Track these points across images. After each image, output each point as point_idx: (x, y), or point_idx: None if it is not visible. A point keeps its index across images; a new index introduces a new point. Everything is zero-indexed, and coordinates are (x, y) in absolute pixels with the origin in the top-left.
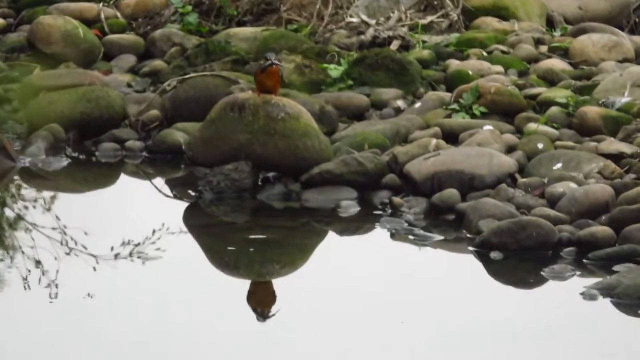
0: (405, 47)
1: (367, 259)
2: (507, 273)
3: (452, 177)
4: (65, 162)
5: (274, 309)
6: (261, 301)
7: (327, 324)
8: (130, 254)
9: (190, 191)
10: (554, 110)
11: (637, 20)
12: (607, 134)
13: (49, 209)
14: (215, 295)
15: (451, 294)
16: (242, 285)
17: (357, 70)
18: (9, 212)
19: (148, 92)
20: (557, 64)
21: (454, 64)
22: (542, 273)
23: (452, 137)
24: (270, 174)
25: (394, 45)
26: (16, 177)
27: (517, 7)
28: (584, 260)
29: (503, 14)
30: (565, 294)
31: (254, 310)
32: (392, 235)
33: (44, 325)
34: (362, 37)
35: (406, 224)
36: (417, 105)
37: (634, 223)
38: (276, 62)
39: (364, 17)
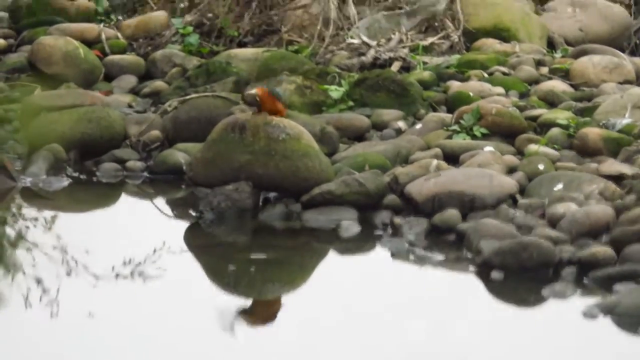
0: (406, 68)
1: (368, 279)
2: (508, 293)
3: (453, 197)
4: (66, 182)
5: (272, 327)
6: (259, 320)
7: (327, 343)
8: (131, 274)
9: (191, 211)
10: (554, 131)
11: (637, 42)
12: (607, 155)
13: (49, 229)
14: (215, 314)
15: (452, 313)
16: (243, 304)
17: (358, 92)
18: (9, 232)
19: (149, 113)
20: (558, 85)
21: (454, 85)
22: (542, 293)
23: (452, 158)
24: (271, 195)
25: (395, 66)
26: (17, 197)
27: (518, 28)
28: (585, 280)
29: (504, 35)
30: (566, 313)
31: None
32: (393, 255)
33: (44, 344)
34: (363, 58)
35: (407, 244)
36: (418, 126)
37: (635, 243)
38: (252, 93)
39: (365, 39)
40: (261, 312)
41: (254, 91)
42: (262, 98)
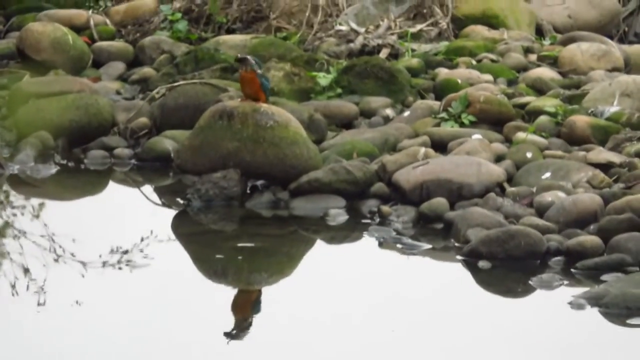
0: (395, 55)
1: (355, 268)
2: (495, 282)
3: (441, 186)
4: (54, 169)
5: (252, 320)
6: (240, 312)
7: (314, 332)
8: (119, 262)
9: (178, 199)
10: (542, 119)
11: (626, 29)
12: (596, 143)
13: (37, 216)
14: (202, 303)
15: (439, 303)
16: (230, 293)
17: (346, 79)
18: None
19: (137, 100)
20: (546, 73)
21: (443, 72)
22: (530, 282)
23: (441, 146)
24: (259, 182)
25: (383, 53)
26: (4, 184)
27: (507, 15)
28: (572, 270)
29: (492, 22)
30: (553, 303)
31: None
32: (380, 244)
33: (32, 331)
34: (352, 45)
35: (394, 233)
36: (406, 113)
37: (623, 232)
38: (244, 58)
39: (354, 26)
40: (246, 301)
41: (247, 69)
42: (249, 79)
